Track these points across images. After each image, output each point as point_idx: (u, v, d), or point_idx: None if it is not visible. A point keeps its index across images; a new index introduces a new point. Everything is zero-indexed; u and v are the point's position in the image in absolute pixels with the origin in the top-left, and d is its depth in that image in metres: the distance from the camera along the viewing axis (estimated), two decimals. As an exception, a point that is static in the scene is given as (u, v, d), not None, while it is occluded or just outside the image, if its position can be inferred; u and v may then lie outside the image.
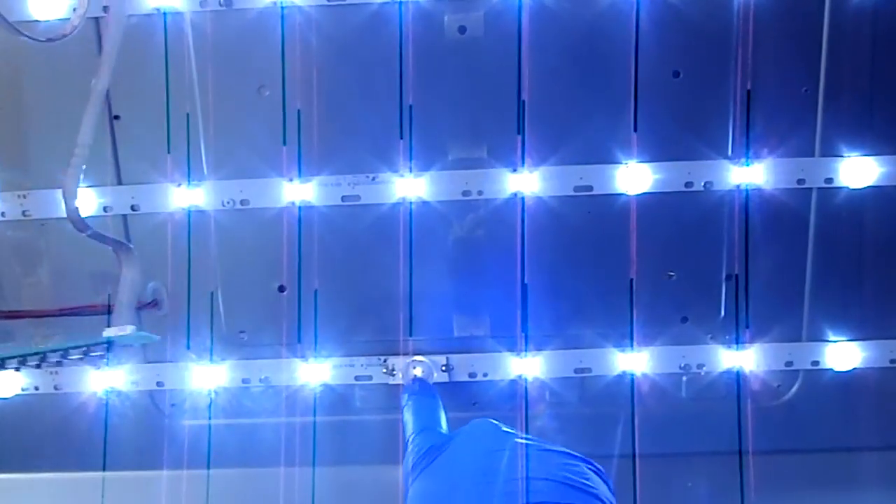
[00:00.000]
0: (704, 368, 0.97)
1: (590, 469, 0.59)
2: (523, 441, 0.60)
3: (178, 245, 0.94)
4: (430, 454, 0.64)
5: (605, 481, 0.59)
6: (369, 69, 0.92)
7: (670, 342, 0.97)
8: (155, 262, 0.97)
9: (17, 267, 0.99)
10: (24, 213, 0.95)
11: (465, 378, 0.98)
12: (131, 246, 0.78)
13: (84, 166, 0.75)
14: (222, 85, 0.93)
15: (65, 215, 0.94)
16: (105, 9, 0.90)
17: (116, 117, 0.94)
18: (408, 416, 0.80)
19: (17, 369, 0.77)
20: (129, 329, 0.73)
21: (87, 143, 0.75)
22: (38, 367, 0.78)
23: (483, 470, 0.57)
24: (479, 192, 0.93)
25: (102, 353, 0.76)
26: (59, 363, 0.78)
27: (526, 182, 0.93)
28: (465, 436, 0.64)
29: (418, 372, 0.97)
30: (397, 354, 0.98)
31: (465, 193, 0.93)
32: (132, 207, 0.95)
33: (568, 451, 0.60)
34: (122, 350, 0.77)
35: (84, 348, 0.75)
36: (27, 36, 0.69)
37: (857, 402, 0.98)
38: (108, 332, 0.73)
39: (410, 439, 0.72)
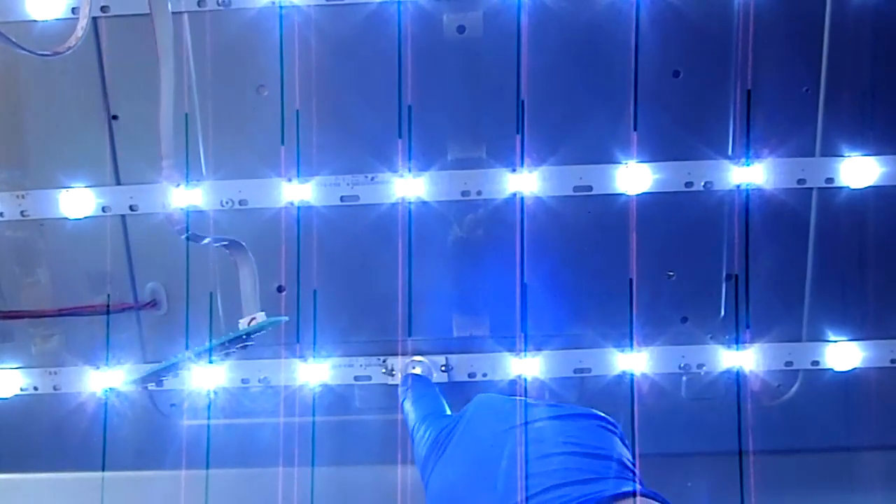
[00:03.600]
0: (704, 368, 0.97)
1: (603, 427, 0.58)
2: (533, 408, 0.59)
3: (177, 245, 0.94)
4: (440, 442, 0.64)
5: (620, 438, 0.59)
6: (368, 69, 0.92)
7: (670, 342, 0.97)
8: (154, 263, 0.98)
9: (16, 267, 0.99)
10: (22, 213, 0.95)
11: (465, 378, 0.98)
12: (241, 243, 0.80)
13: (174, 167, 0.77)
14: (221, 85, 0.92)
15: (64, 215, 0.95)
16: (103, 9, 0.90)
17: (115, 117, 0.94)
18: (408, 407, 0.79)
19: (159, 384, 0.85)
20: (260, 316, 0.78)
21: (172, 150, 0.77)
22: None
23: (497, 452, 0.57)
24: (479, 192, 0.93)
25: (245, 343, 0.79)
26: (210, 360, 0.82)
27: (525, 182, 0.93)
28: (473, 415, 0.64)
29: (417, 372, 0.97)
30: (396, 354, 0.98)
31: (465, 193, 0.93)
32: (131, 207, 0.95)
33: (577, 410, 0.60)
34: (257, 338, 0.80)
35: (228, 344, 0.78)
36: (31, 52, 0.69)
37: (857, 402, 0.97)
38: (243, 323, 0.78)
39: (415, 428, 0.72)
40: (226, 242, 0.81)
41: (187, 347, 0.98)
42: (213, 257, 0.97)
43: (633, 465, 0.57)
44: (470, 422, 0.63)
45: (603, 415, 0.60)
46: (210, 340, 0.80)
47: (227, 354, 0.81)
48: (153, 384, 0.87)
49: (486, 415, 0.63)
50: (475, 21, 0.91)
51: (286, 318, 0.82)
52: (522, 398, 0.62)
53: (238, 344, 0.79)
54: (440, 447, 0.63)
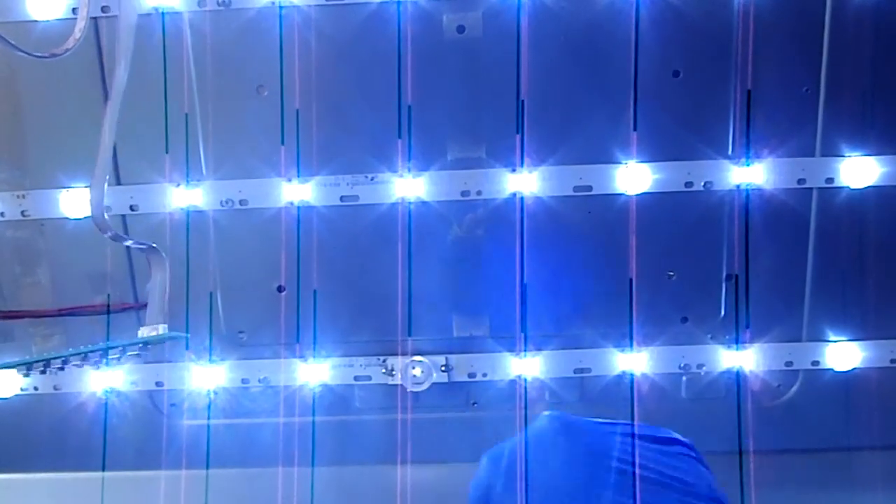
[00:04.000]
0: (704, 368, 0.97)
1: (686, 456, 0.57)
2: (613, 433, 0.56)
3: (177, 245, 0.94)
4: (501, 464, 0.58)
5: (705, 467, 0.57)
6: (368, 69, 0.92)
7: (670, 342, 0.97)
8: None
9: (17, 267, 0.99)
10: (22, 213, 0.95)
11: (465, 378, 0.98)
12: (157, 247, 0.78)
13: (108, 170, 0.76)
14: (221, 85, 0.93)
15: (64, 215, 0.95)
16: (104, 9, 0.90)
17: (115, 117, 0.93)
18: None
19: (43, 372, 0.80)
20: (161, 328, 0.76)
21: (110, 145, 0.75)
22: (61, 369, 0.80)
23: (598, 483, 0.53)
24: (478, 192, 0.93)
25: (139, 352, 0.77)
26: (96, 363, 0.80)
27: (525, 182, 0.93)
28: (543, 437, 0.58)
29: (417, 372, 0.97)
30: (396, 354, 0.98)
31: (464, 193, 0.93)
32: (131, 207, 0.95)
33: (659, 433, 0.58)
34: (154, 349, 0.79)
35: (120, 348, 0.77)
36: (29, 53, 0.69)
37: (857, 402, 0.97)
38: (143, 332, 0.76)
39: None
40: (144, 246, 0.78)
41: (187, 348, 0.99)
42: (214, 258, 0.97)
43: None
44: (543, 444, 0.57)
45: (686, 440, 0.58)
46: (110, 342, 0.78)
47: (118, 360, 0.78)
48: (31, 373, 0.84)
49: (562, 438, 0.57)
50: (475, 21, 0.91)
51: (187, 335, 0.81)
52: (596, 420, 0.58)
53: (133, 351, 0.77)
54: (504, 473, 0.57)
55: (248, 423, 1.01)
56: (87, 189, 0.93)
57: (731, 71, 0.91)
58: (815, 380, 0.98)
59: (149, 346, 0.76)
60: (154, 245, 0.78)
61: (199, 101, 0.93)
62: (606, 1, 0.90)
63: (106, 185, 0.75)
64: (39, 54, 0.72)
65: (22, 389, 1.00)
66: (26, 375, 0.89)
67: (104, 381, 0.99)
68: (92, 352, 0.77)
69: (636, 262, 0.94)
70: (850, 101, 0.92)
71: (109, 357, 0.77)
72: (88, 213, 0.93)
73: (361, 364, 0.98)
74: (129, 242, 0.79)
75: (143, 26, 0.90)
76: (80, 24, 0.75)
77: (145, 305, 0.97)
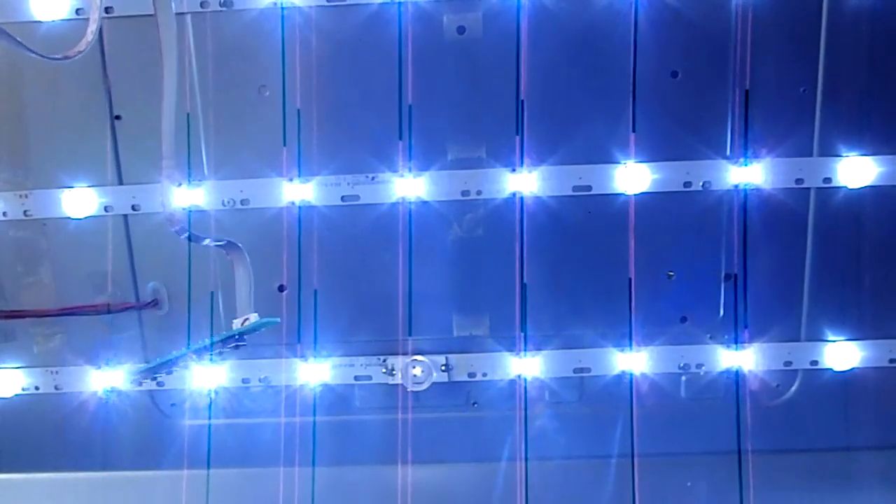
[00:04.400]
0: (703, 368, 0.98)
1: None
2: None
3: (179, 245, 0.94)
4: None
5: None
6: (369, 69, 0.92)
7: (669, 342, 0.97)
8: (155, 262, 0.98)
9: (19, 266, 0.99)
10: (25, 212, 0.95)
11: (465, 378, 0.98)
12: (237, 243, 0.82)
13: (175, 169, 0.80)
14: (223, 85, 0.93)
15: (67, 215, 0.95)
16: (107, 10, 0.90)
17: (118, 117, 0.94)
18: None
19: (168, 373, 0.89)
20: (253, 317, 0.80)
21: (173, 148, 0.79)
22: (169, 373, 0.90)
23: None
24: (479, 192, 0.93)
25: (238, 343, 0.81)
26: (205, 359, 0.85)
27: (525, 182, 0.93)
28: None
29: (417, 371, 0.97)
30: (397, 354, 0.98)
31: (465, 193, 0.93)
32: (133, 207, 0.95)
33: None
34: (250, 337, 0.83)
35: (221, 342, 0.81)
36: (42, 56, 0.70)
37: (856, 402, 0.98)
38: (237, 324, 0.80)
39: None
40: (223, 243, 0.82)
41: (188, 347, 0.99)
42: (214, 258, 0.97)
43: None
44: None
45: None
46: (211, 338, 0.81)
47: (220, 354, 0.82)
48: (149, 380, 0.88)
49: None
50: (475, 22, 0.92)
51: (278, 321, 0.82)
52: None
53: (231, 343, 0.81)
54: None
55: (249, 423, 1.01)
56: (90, 189, 0.95)
57: (730, 71, 0.92)
58: (814, 379, 0.98)
59: (245, 336, 0.80)
60: (231, 240, 0.81)
61: (202, 102, 0.93)
62: (605, 2, 0.90)
63: (173, 184, 0.80)
64: (52, 56, 0.73)
65: (23, 389, 1.00)
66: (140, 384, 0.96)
67: (105, 380, 1.00)
68: (198, 350, 0.82)
69: (635, 261, 0.95)
70: (847, 102, 0.92)
71: (215, 351, 0.80)
72: (92, 213, 0.95)
73: (362, 364, 0.99)
74: (206, 241, 0.82)
75: (147, 27, 0.91)
76: (92, 27, 0.76)
77: (147, 305, 0.98)
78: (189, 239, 0.82)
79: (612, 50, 0.91)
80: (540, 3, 0.90)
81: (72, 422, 1.01)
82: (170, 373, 0.91)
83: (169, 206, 0.81)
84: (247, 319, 0.80)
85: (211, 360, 0.85)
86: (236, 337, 0.80)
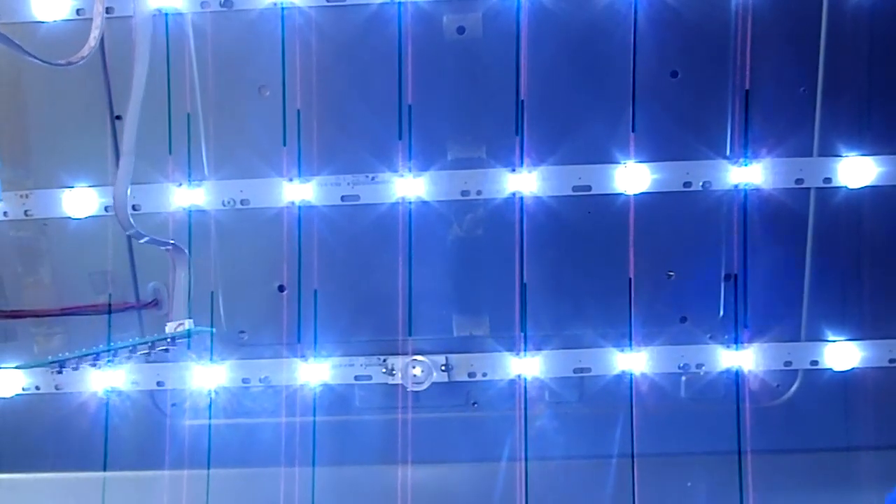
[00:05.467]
0: (703, 368, 0.98)
1: None
2: None
3: (179, 244, 0.94)
4: None
5: None
6: (369, 69, 0.93)
7: (669, 342, 0.97)
8: (155, 262, 0.98)
9: (19, 266, 0.99)
10: (26, 212, 0.95)
11: (465, 378, 0.98)
12: (178, 244, 0.83)
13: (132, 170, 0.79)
14: (223, 85, 0.93)
15: (67, 215, 0.95)
16: (108, 10, 0.90)
17: (118, 118, 0.94)
18: None
19: (76, 368, 0.84)
20: (187, 323, 0.80)
21: (132, 149, 0.78)
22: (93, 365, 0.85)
23: None
24: (478, 192, 0.93)
25: (167, 347, 0.82)
26: (128, 359, 0.85)
27: (525, 182, 0.93)
28: None
29: (417, 371, 0.97)
30: (397, 354, 0.98)
31: (464, 193, 0.93)
32: (133, 207, 0.95)
33: None
34: (181, 343, 0.83)
35: (149, 344, 0.81)
36: (45, 62, 0.70)
37: (856, 402, 0.98)
38: (170, 328, 0.80)
39: None
40: (164, 243, 0.82)
41: (188, 347, 0.99)
42: (215, 258, 0.97)
43: None
44: None
45: None
46: (140, 338, 0.82)
47: (146, 356, 0.83)
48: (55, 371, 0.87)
49: None
50: (475, 22, 0.92)
51: (212, 330, 0.83)
52: None
53: (161, 347, 0.81)
54: None
55: (250, 423, 1.01)
56: (91, 189, 0.95)
57: (730, 72, 0.92)
58: (814, 379, 0.98)
59: (176, 341, 0.80)
60: (175, 242, 0.80)
61: (202, 102, 0.93)
62: (605, 2, 0.90)
63: (130, 183, 0.78)
64: (55, 62, 0.73)
65: (24, 389, 1.00)
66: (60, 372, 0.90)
67: (105, 380, 1.00)
68: (122, 348, 0.81)
69: (635, 261, 0.95)
70: (847, 102, 0.92)
71: (138, 353, 0.80)
72: (92, 213, 0.95)
73: (362, 364, 0.99)
74: (145, 240, 0.81)
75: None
76: (95, 33, 0.77)
77: (146, 305, 0.98)
78: (133, 237, 0.81)
79: (612, 50, 0.91)
80: (540, 3, 0.90)
81: (72, 422, 1.01)
82: (80, 367, 0.87)
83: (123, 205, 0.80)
84: (181, 325, 0.80)
85: (133, 360, 0.85)
86: (168, 340, 0.80)
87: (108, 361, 0.83)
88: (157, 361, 0.97)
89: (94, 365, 0.84)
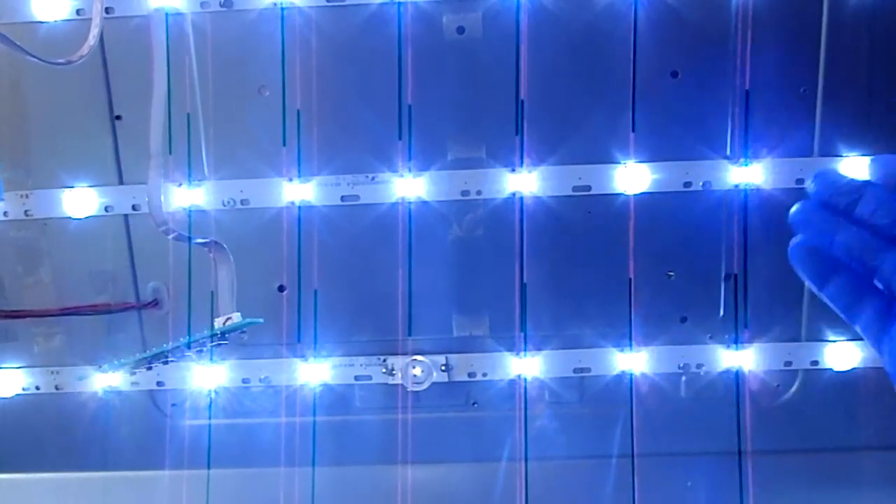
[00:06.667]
0: (704, 368, 0.98)
1: None
2: None
3: (179, 244, 0.94)
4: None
5: None
6: (368, 69, 0.93)
7: (669, 342, 0.97)
8: (155, 262, 0.98)
9: (19, 266, 0.99)
10: (26, 212, 0.95)
11: (465, 378, 0.98)
12: (220, 242, 0.83)
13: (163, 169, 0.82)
14: (223, 85, 0.93)
15: (67, 215, 0.95)
16: (108, 10, 0.90)
17: (118, 117, 0.94)
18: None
19: (133, 373, 0.90)
20: (235, 316, 0.81)
21: (160, 149, 0.80)
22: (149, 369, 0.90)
23: None
24: (478, 192, 0.93)
25: (221, 342, 0.82)
26: (175, 361, 0.87)
27: (525, 182, 0.93)
28: None
29: (417, 371, 0.97)
30: (397, 354, 0.98)
31: (464, 193, 0.94)
32: (133, 207, 0.95)
33: None
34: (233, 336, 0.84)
35: (202, 341, 0.82)
36: (44, 60, 0.70)
37: (856, 402, 0.97)
38: (219, 323, 0.81)
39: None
40: (208, 242, 0.83)
41: (188, 347, 0.99)
42: (214, 257, 0.97)
43: None
44: None
45: None
46: (189, 336, 0.82)
47: (200, 352, 0.84)
48: (132, 371, 0.88)
49: None
50: (475, 22, 0.92)
51: (261, 321, 0.83)
52: None
53: (213, 342, 0.81)
54: None
55: (249, 423, 1.01)
56: (91, 189, 0.95)
57: (730, 71, 0.92)
58: (815, 380, 0.98)
59: (227, 336, 0.81)
60: (216, 241, 0.82)
61: (201, 102, 0.93)
62: (605, 2, 0.90)
63: (161, 182, 0.80)
64: (55, 61, 0.73)
65: (23, 389, 1.01)
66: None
67: (105, 381, 1.00)
68: (176, 348, 0.83)
69: (635, 261, 0.95)
70: (847, 101, 0.92)
71: (193, 350, 0.81)
72: (92, 213, 0.95)
73: (362, 364, 0.99)
74: (172, 235, 0.83)
75: (146, 26, 0.91)
76: (94, 32, 0.77)
77: (147, 305, 0.99)
78: (176, 239, 0.83)
79: (612, 50, 0.91)
80: (540, 3, 0.90)
81: (72, 422, 1.01)
82: (149, 369, 0.91)
83: (158, 206, 0.81)
84: (229, 318, 0.81)
85: (190, 358, 0.86)
86: (218, 336, 0.81)
87: (172, 360, 0.87)
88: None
89: (165, 363, 0.88)
